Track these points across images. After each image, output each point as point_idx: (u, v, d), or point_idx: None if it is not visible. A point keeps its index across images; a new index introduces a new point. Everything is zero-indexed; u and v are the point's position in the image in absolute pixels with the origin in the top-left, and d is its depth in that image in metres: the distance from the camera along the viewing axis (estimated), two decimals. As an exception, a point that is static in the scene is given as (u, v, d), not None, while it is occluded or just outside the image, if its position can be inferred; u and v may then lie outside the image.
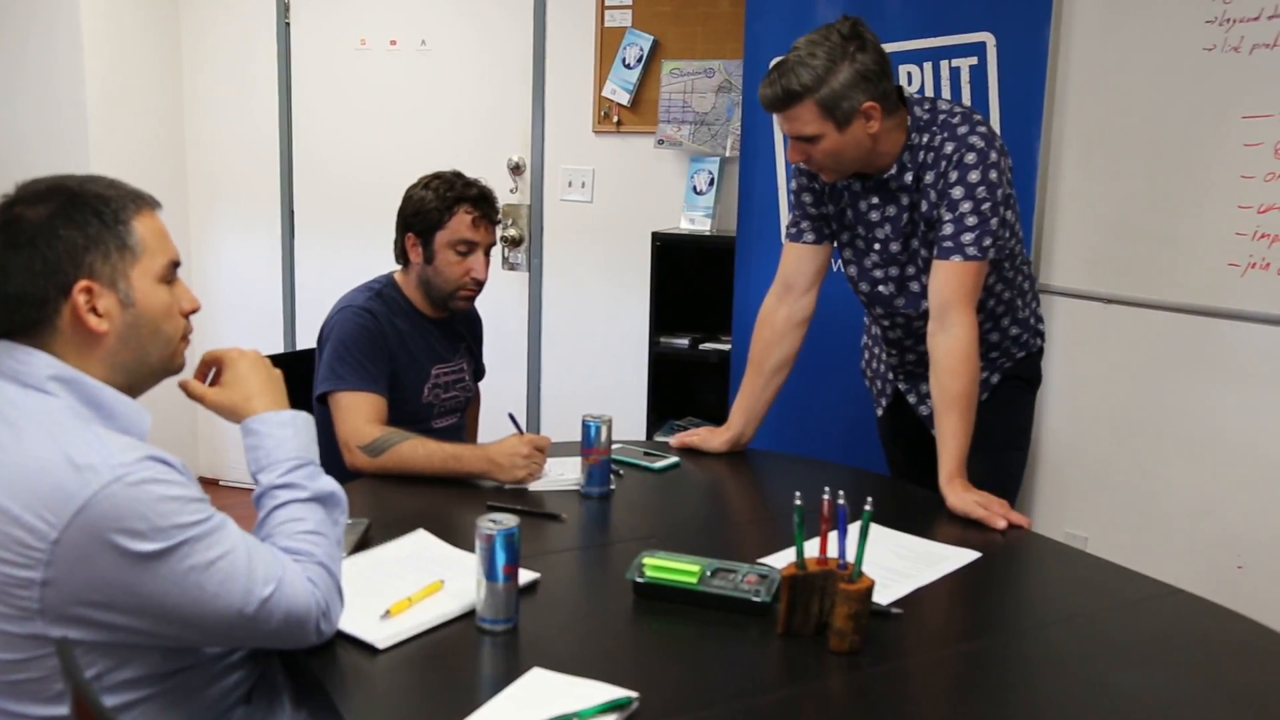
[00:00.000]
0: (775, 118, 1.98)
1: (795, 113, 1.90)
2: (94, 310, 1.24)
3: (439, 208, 2.23)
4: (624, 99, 3.50)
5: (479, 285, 2.30)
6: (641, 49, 3.45)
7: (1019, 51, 2.68)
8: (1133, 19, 2.67)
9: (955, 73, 2.74)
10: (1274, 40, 2.39)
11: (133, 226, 1.26)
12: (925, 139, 1.99)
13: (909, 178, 2.00)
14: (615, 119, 3.54)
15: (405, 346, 2.25)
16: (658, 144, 3.45)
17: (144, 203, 1.30)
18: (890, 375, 2.29)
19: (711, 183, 3.36)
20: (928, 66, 2.77)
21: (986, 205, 1.94)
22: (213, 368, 1.44)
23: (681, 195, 3.43)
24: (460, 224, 2.23)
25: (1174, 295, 2.63)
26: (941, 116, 1.99)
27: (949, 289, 1.96)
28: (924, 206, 2.00)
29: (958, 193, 1.95)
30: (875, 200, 2.06)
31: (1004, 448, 2.18)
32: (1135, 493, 2.77)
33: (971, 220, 1.94)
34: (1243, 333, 2.50)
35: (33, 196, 1.24)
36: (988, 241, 1.95)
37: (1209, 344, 2.58)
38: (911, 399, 2.26)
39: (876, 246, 2.10)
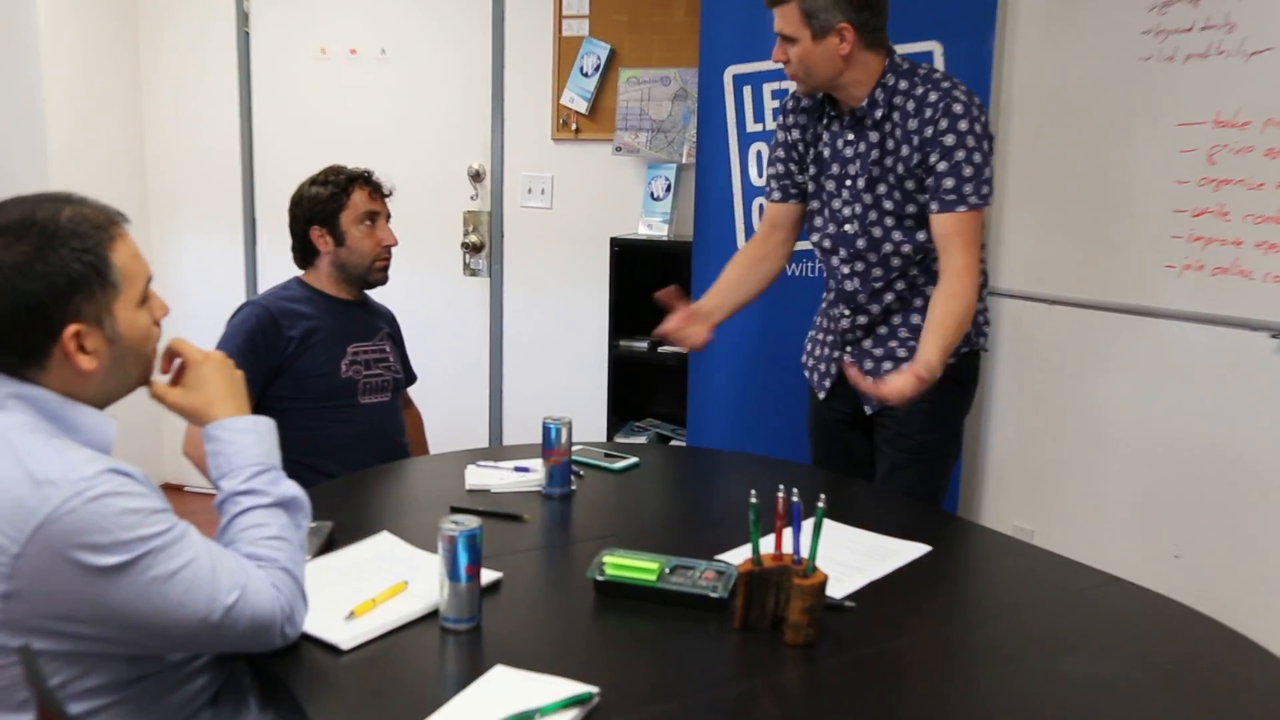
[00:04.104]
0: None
1: (783, 11, 2.05)
2: (82, 349, 1.23)
3: (337, 193, 2.39)
4: (582, 107, 3.50)
5: (390, 253, 2.44)
6: (599, 58, 3.45)
7: (965, 60, 2.72)
8: (1073, 30, 2.72)
9: (903, 81, 2.77)
10: (1206, 51, 2.44)
11: (112, 260, 1.24)
12: (904, 85, 2.07)
13: (879, 114, 2.08)
14: (574, 126, 3.54)
15: (310, 328, 2.33)
16: (615, 151, 3.46)
17: (116, 227, 1.27)
18: (834, 353, 2.28)
19: (668, 189, 3.38)
20: (877, 75, 2.80)
21: (978, 155, 2.01)
22: (175, 359, 1.42)
23: (639, 201, 3.44)
24: (360, 199, 2.40)
25: (1114, 296, 2.67)
26: (923, 71, 2.09)
27: (953, 233, 2.02)
28: (904, 150, 2.06)
29: (950, 140, 2.01)
30: (850, 137, 2.14)
31: (935, 457, 2.20)
32: (1078, 487, 2.82)
33: (968, 170, 2.01)
34: (1179, 331, 2.55)
35: (4, 230, 1.19)
36: (986, 189, 2.03)
37: (1148, 343, 2.63)
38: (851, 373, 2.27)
39: (847, 183, 2.16)
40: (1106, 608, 1.58)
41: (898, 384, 1.89)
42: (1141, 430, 2.67)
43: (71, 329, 1.21)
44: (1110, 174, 2.66)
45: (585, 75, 3.48)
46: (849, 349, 2.26)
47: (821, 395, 2.33)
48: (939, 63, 2.73)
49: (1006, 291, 2.89)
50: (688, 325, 2.21)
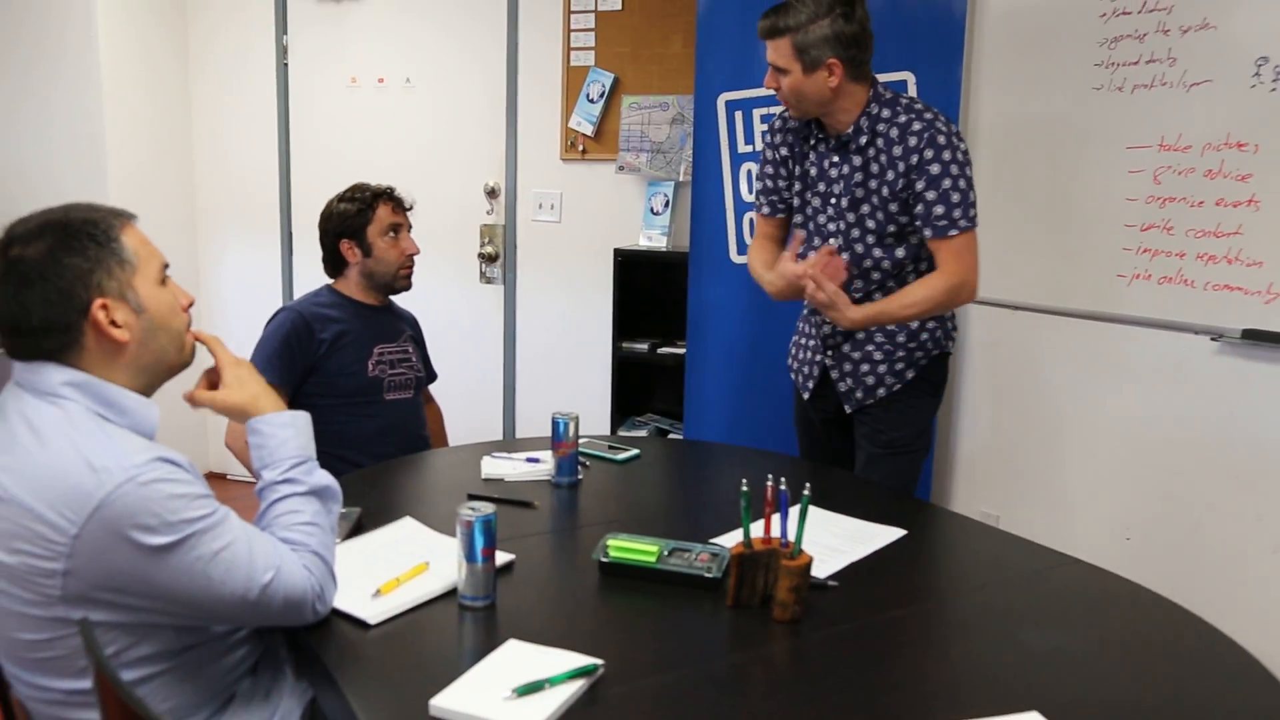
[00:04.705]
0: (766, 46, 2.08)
1: (775, 44, 2.03)
2: (113, 323, 1.22)
3: (363, 208, 2.38)
4: (588, 130, 3.50)
5: (413, 261, 2.43)
6: (603, 85, 3.45)
7: (936, 88, 2.71)
8: (1032, 61, 2.71)
9: (880, 107, 2.76)
10: (1151, 82, 2.44)
11: (123, 241, 1.25)
12: (887, 113, 2.05)
13: (864, 139, 2.07)
14: (580, 148, 3.54)
15: (340, 331, 2.32)
16: (618, 170, 3.45)
17: (124, 217, 1.28)
18: (816, 357, 2.27)
19: (667, 204, 3.37)
20: (856, 102, 2.79)
21: (963, 181, 2.01)
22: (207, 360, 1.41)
23: (640, 215, 3.44)
24: (384, 213, 2.38)
25: (1072, 303, 2.67)
26: (905, 101, 2.07)
27: (946, 254, 2.03)
28: (889, 175, 2.05)
29: (935, 169, 2.00)
30: (835, 159, 2.13)
31: (907, 451, 2.19)
32: (1040, 476, 2.81)
33: (955, 197, 2.00)
34: (1129, 335, 2.55)
35: (26, 235, 1.21)
36: (973, 212, 2.03)
37: (1101, 345, 2.62)
38: (834, 375, 2.24)
39: (832, 200, 2.15)
40: (1065, 586, 1.58)
41: (836, 299, 1.96)
42: (1096, 424, 2.66)
43: (98, 302, 1.21)
44: (1067, 192, 2.66)
45: (591, 101, 3.48)
46: (829, 353, 2.25)
47: (806, 395, 2.33)
48: (912, 91, 2.72)
49: (975, 299, 2.88)
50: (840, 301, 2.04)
